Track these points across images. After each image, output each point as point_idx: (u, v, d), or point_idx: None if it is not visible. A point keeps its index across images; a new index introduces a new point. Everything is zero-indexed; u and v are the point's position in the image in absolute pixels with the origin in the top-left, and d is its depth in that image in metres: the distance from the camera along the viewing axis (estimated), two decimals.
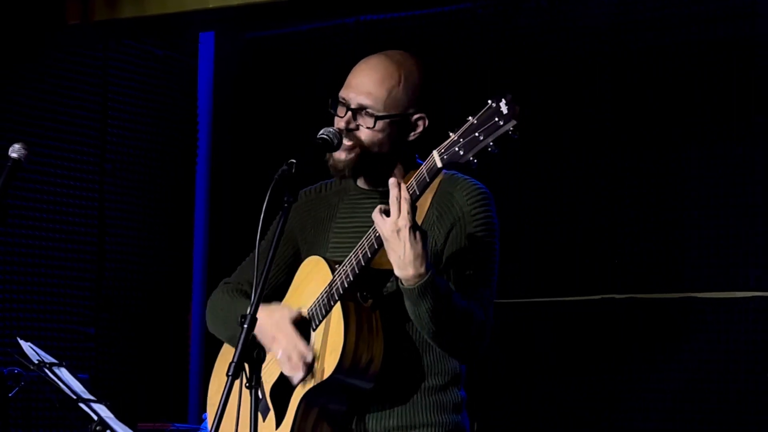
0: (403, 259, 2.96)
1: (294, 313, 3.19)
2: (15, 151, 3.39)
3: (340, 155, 3.20)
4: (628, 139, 6.05)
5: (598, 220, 6.08)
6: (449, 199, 3.20)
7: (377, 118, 3.18)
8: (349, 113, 3.19)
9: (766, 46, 5.73)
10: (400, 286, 3.02)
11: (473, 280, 3.16)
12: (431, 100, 3.25)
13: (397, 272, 3.00)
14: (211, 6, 6.03)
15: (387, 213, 2.98)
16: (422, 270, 2.97)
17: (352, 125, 3.20)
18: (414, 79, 3.21)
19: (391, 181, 2.99)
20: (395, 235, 2.95)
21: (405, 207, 2.95)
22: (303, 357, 3.12)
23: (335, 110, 3.23)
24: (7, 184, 3.35)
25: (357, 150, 3.20)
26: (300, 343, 3.13)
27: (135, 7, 6.20)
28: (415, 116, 3.21)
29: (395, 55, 3.25)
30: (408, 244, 2.94)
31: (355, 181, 3.32)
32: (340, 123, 3.20)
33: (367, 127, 3.18)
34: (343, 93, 3.22)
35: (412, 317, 3.07)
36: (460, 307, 3.06)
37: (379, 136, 3.20)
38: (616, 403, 5.96)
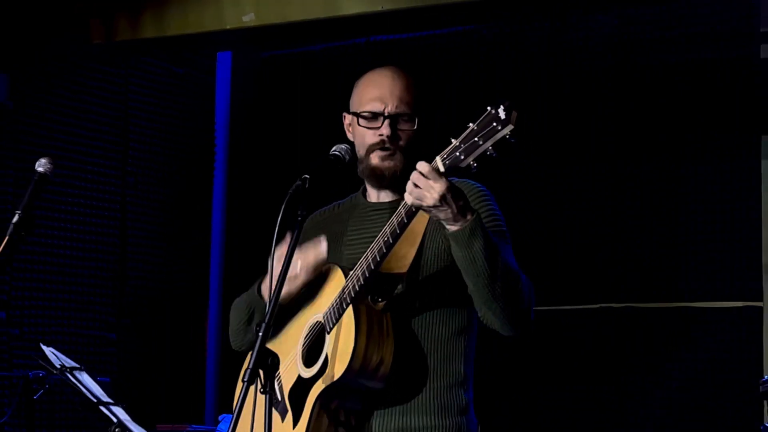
0: (456, 213, 3.02)
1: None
2: (41, 165, 3.47)
3: (387, 163, 3.30)
4: (627, 151, 6.08)
5: (596, 229, 6.10)
6: None
7: (418, 119, 3.30)
8: (388, 121, 3.29)
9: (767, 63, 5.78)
10: (450, 235, 3.05)
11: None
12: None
13: (449, 227, 3.04)
14: (228, 27, 6.09)
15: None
16: (470, 215, 3.05)
17: (394, 132, 3.31)
18: (421, 85, 3.37)
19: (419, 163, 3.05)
20: (439, 201, 3.00)
21: (434, 176, 3.00)
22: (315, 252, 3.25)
23: (362, 124, 3.32)
24: (34, 197, 3.42)
25: (400, 155, 3.30)
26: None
27: (156, 27, 6.26)
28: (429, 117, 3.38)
29: (396, 67, 3.39)
30: (453, 203, 3.01)
31: (365, 196, 3.42)
32: (383, 131, 3.28)
33: (410, 130, 3.30)
34: (373, 106, 3.31)
35: (464, 266, 3.07)
36: (507, 260, 3.11)
37: (415, 138, 3.32)
38: (612, 410, 5.99)
